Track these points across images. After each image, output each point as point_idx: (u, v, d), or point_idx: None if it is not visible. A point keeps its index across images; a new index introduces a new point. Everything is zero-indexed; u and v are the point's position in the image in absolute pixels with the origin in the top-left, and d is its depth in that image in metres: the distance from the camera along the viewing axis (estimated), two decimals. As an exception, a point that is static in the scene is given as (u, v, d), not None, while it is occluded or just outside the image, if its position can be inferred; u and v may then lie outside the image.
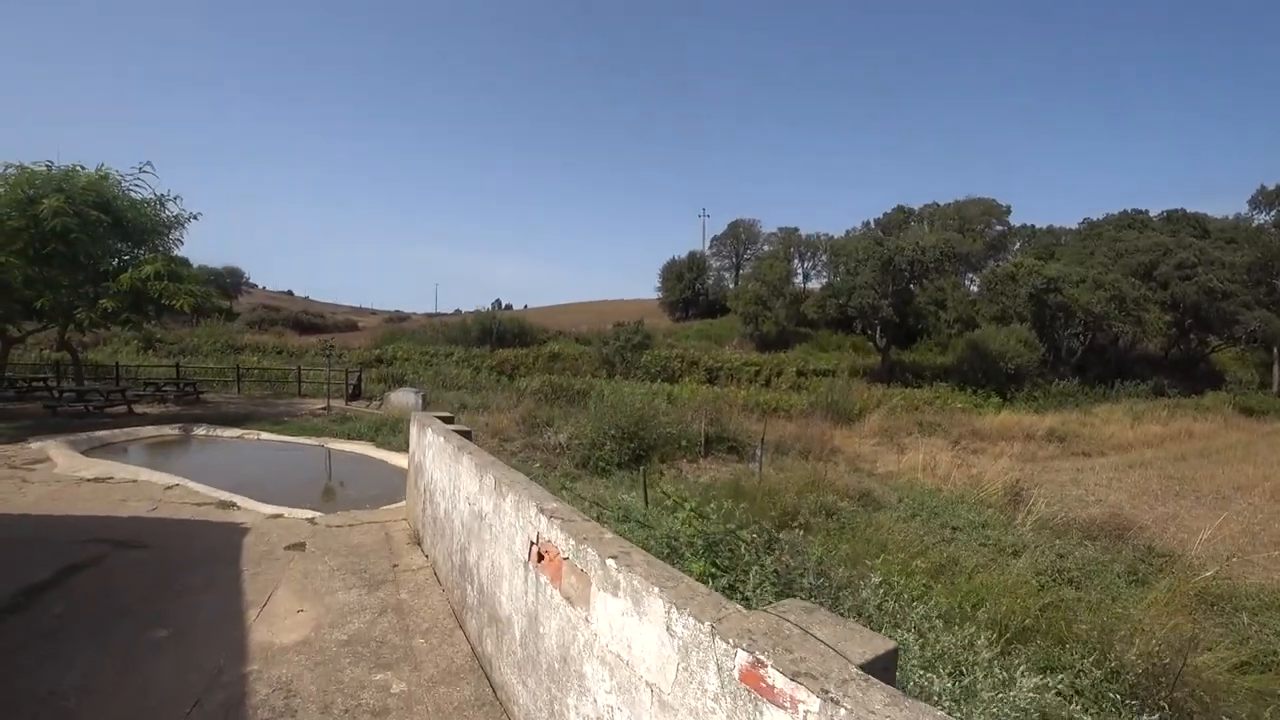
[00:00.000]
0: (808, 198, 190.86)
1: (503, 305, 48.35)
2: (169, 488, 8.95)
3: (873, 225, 69.41)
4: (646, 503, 10.07)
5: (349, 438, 14.78)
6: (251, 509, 8.01)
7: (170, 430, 15.08)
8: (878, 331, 42.64)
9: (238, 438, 14.83)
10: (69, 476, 9.67)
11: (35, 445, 12.33)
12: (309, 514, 7.78)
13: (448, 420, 6.95)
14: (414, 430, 7.16)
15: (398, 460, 12.22)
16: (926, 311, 50.15)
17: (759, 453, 12.98)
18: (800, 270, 70.06)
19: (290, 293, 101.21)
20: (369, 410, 18.78)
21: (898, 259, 40.88)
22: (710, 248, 73.85)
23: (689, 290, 64.43)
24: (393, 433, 15.10)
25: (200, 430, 15.18)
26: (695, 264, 66.05)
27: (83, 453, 12.27)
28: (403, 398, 18.49)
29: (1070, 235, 68.83)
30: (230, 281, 76.29)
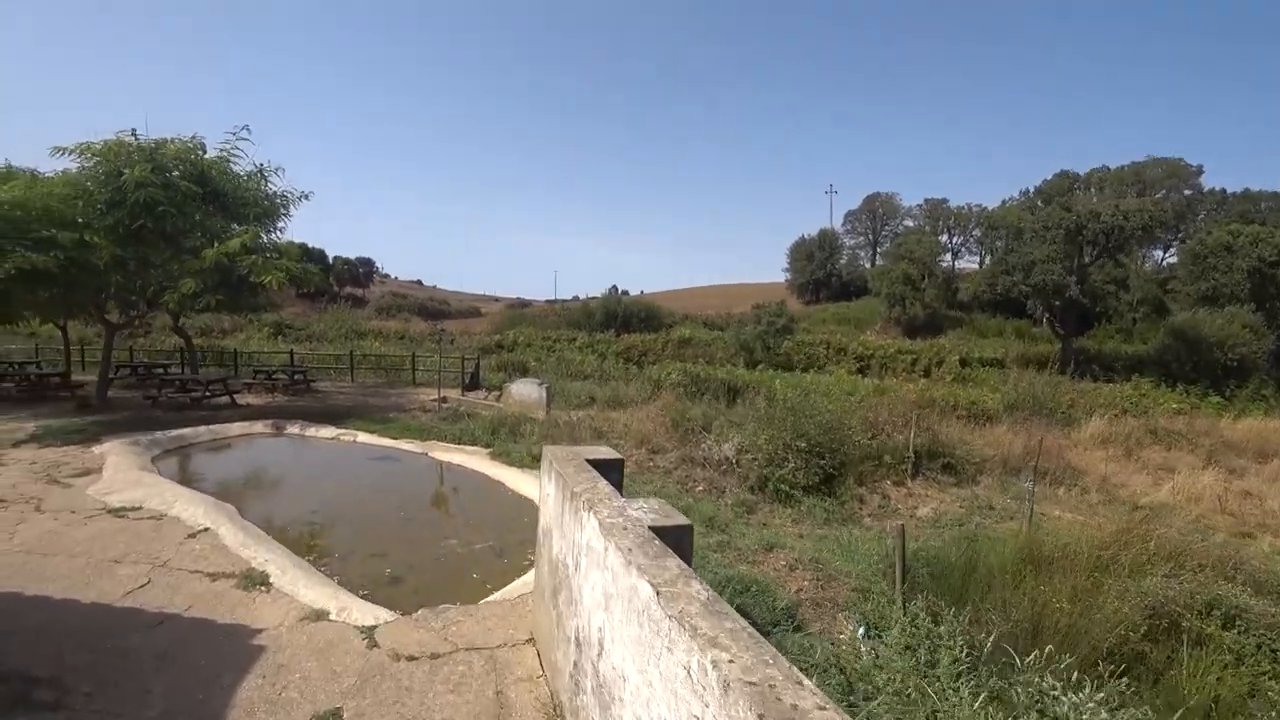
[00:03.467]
0: (947, 169, 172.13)
1: (619, 291, 45.35)
2: (193, 535, 6.07)
3: (1031, 193, 60.32)
4: (901, 582, 6.19)
5: (459, 442, 11.85)
6: (286, 591, 4.86)
7: (260, 428, 12.80)
8: (1054, 315, 35.55)
9: (331, 440, 12.26)
10: (89, 505, 7.11)
11: (100, 448, 10.22)
12: (371, 615, 4.48)
13: (611, 470, 3.40)
14: (552, 491, 3.62)
15: (520, 483, 9.01)
16: (1104, 292, 41.70)
17: (1029, 486, 8.65)
18: (949, 246, 62.24)
19: (419, 281, 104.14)
20: (486, 403, 15.98)
21: (1091, 227, 33.68)
22: (843, 225, 67.42)
23: (820, 271, 58.65)
24: (513, 436, 12.03)
25: (293, 429, 12.78)
26: (826, 242, 60.06)
27: (152, 459, 10.05)
28: (524, 390, 15.50)
29: (1274, 200, 56.06)
30: (363, 271, 78.89)
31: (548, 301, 71.04)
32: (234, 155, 15.03)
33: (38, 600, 4.72)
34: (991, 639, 4.73)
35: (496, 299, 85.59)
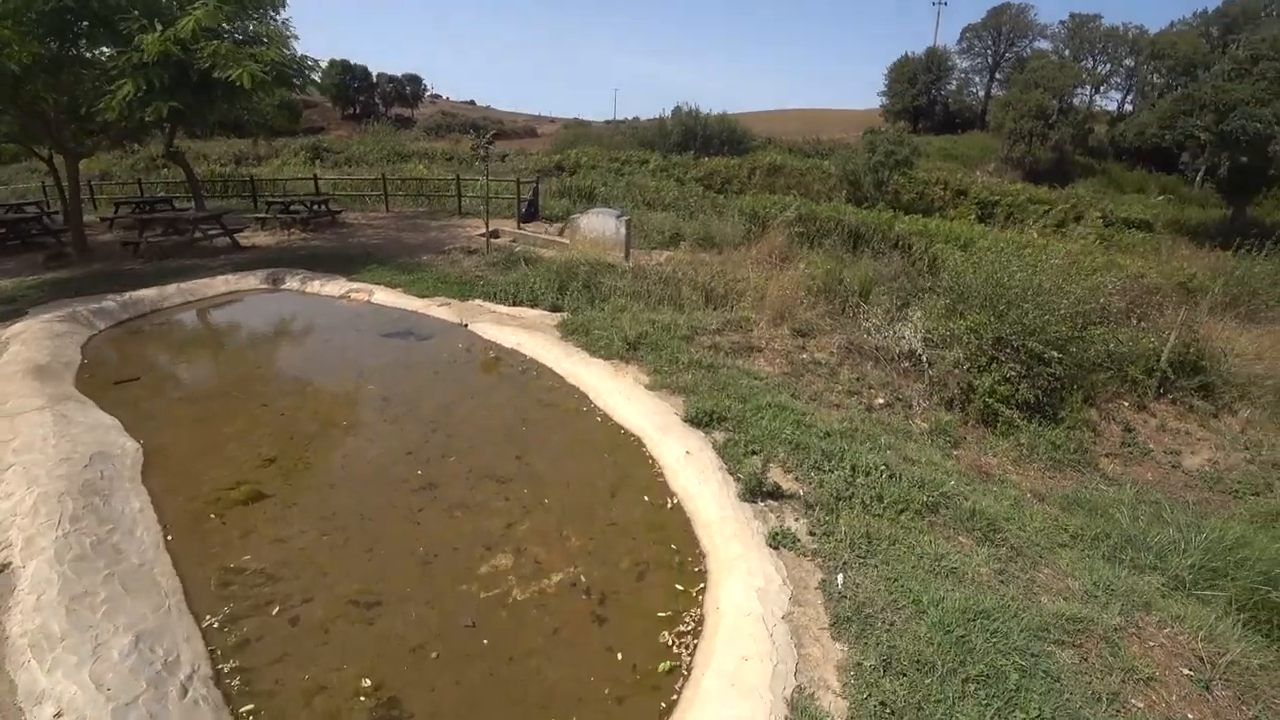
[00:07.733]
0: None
1: (688, 109, 37.48)
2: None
3: (1209, 15, 47.05)
4: None
5: (514, 302, 8.40)
6: None
7: (253, 281, 9.62)
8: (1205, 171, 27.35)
9: (340, 299, 8.98)
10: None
11: (12, 329, 7.22)
12: None
13: None
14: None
15: (612, 397, 5.49)
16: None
17: None
18: (1093, 77, 49.81)
19: (472, 102, 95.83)
20: (549, 238, 12.26)
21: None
22: (958, 44, 54.25)
23: (923, 97, 48.76)
24: (589, 295, 8.41)
25: (293, 282, 9.53)
26: (935, 64, 49.10)
27: (82, 344, 7.13)
28: (597, 224, 11.62)
29: None
30: (410, 90, 72.25)
31: (606, 122, 63.90)
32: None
33: None
34: None
35: (553, 119, 78.18)
